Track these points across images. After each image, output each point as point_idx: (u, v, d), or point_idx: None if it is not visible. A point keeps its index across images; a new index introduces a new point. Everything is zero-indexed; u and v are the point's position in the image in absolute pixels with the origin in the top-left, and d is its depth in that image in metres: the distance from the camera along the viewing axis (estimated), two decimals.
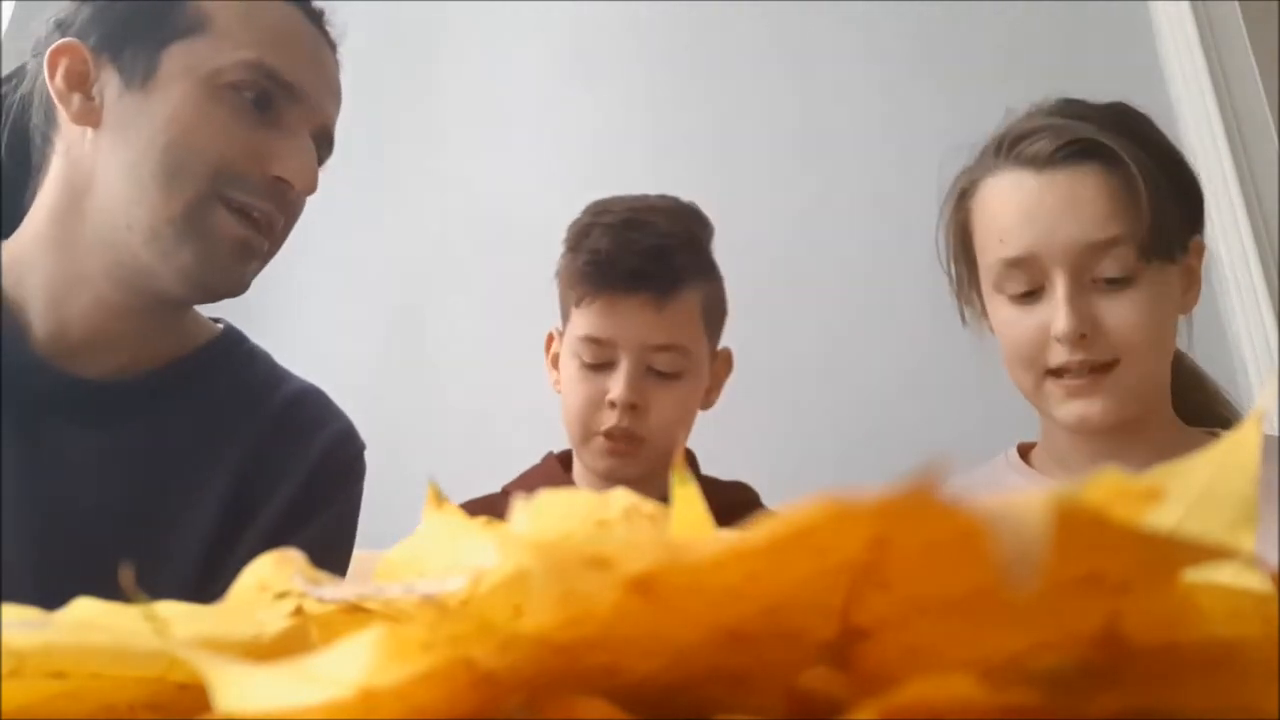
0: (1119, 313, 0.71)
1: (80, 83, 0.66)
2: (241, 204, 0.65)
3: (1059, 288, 0.72)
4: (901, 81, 1.51)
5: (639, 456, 0.84)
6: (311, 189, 0.69)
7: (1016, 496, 0.12)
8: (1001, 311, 0.77)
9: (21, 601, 0.19)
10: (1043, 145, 0.74)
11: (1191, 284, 0.77)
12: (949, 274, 0.85)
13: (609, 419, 0.84)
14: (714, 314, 0.92)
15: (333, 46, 0.75)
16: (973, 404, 1.26)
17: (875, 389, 1.35)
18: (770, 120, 1.54)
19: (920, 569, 0.13)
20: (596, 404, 0.85)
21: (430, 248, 1.60)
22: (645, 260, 0.85)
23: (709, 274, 0.92)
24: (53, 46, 0.66)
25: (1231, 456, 0.18)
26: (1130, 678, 0.15)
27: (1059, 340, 0.72)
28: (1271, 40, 1.40)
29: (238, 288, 0.69)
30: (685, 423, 0.90)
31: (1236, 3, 1.44)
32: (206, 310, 0.78)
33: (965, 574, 0.13)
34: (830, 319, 1.40)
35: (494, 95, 1.68)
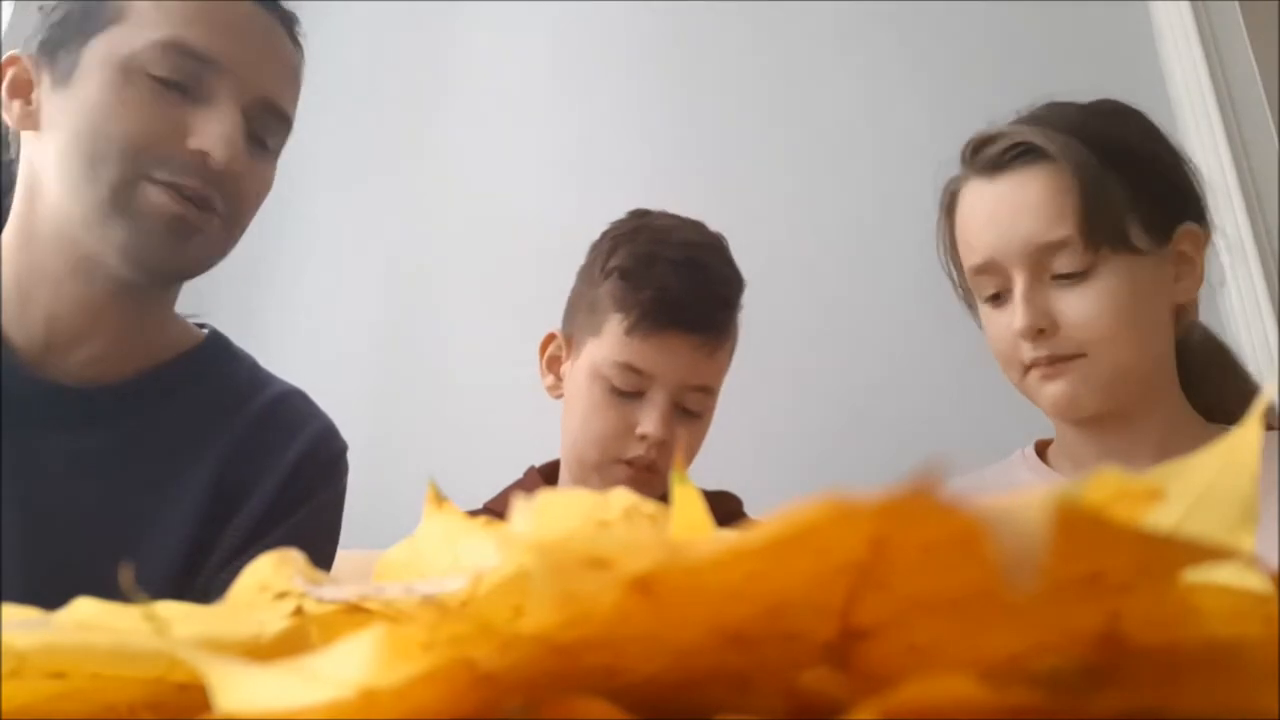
0: (1076, 307, 0.73)
1: (23, 90, 0.68)
2: (169, 183, 0.65)
3: (1017, 287, 0.75)
4: (899, 82, 1.51)
5: (653, 487, 0.84)
6: (231, 160, 0.66)
7: (1016, 496, 0.12)
8: (983, 313, 0.80)
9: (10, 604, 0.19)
10: (992, 151, 0.77)
11: (1186, 273, 0.76)
12: (952, 282, 0.88)
13: (634, 449, 0.84)
14: (734, 352, 0.94)
15: (284, 20, 0.73)
16: (974, 403, 1.26)
17: (874, 389, 1.35)
18: (770, 121, 1.54)
19: (920, 569, 0.13)
20: (623, 432, 0.85)
21: (430, 247, 1.60)
22: (711, 307, 0.86)
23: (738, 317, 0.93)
24: (4, 57, 0.68)
25: (1232, 456, 0.18)
26: (1130, 678, 0.15)
27: (1020, 337, 0.74)
28: (1271, 40, 1.40)
29: (184, 266, 0.68)
30: (693, 457, 0.91)
31: (1236, 3, 1.44)
32: (195, 313, 0.79)
33: (965, 574, 0.13)
34: (828, 320, 1.40)
35: (496, 94, 1.68)
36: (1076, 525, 0.12)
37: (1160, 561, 0.14)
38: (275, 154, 0.74)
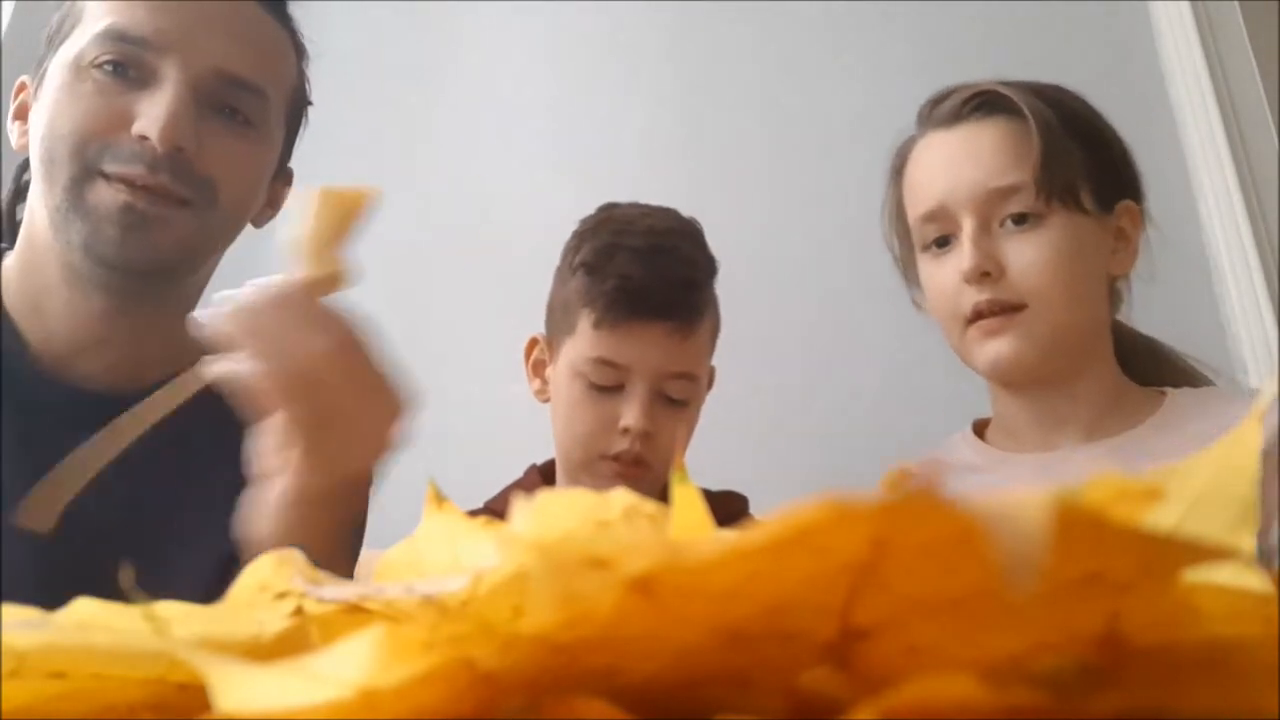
0: (1024, 253, 0.73)
1: (22, 113, 0.69)
2: (117, 174, 0.63)
3: (965, 232, 0.75)
4: (897, 81, 1.51)
5: (645, 481, 0.83)
6: (172, 139, 0.63)
7: (1017, 497, 0.12)
8: (926, 270, 0.80)
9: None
10: (951, 102, 0.80)
11: (1122, 247, 0.78)
12: (893, 254, 0.88)
13: (619, 444, 0.83)
14: (715, 334, 0.93)
15: None
16: (978, 401, 1.26)
17: (876, 388, 1.35)
18: (770, 120, 1.54)
19: (920, 569, 0.13)
20: (605, 428, 0.84)
21: (429, 248, 1.60)
22: (677, 291, 0.85)
23: (714, 297, 0.92)
24: (15, 84, 0.70)
25: (1231, 456, 0.18)
26: (1130, 678, 0.15)
27: (966, 281, 0.74)
28: (1271, 40, 1.40)
29: (151, 257, 0.65)
30: (685, 447, 0.90)
31: (1236, 3, 1.44)
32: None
33: (965, 574, 0.13)
34: (830, 318, 1.40)
35: (494, 96, 1.68)
36: (1076, 525, 0.12)
37: (1160, 561, 0.14)
38: (260, 124, 0.70)
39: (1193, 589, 0.15)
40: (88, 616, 0.19)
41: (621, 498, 0.21)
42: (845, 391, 1.36)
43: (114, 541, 0.64)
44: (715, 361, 0.94)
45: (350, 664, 0.15)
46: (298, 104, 0.77)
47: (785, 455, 1.30)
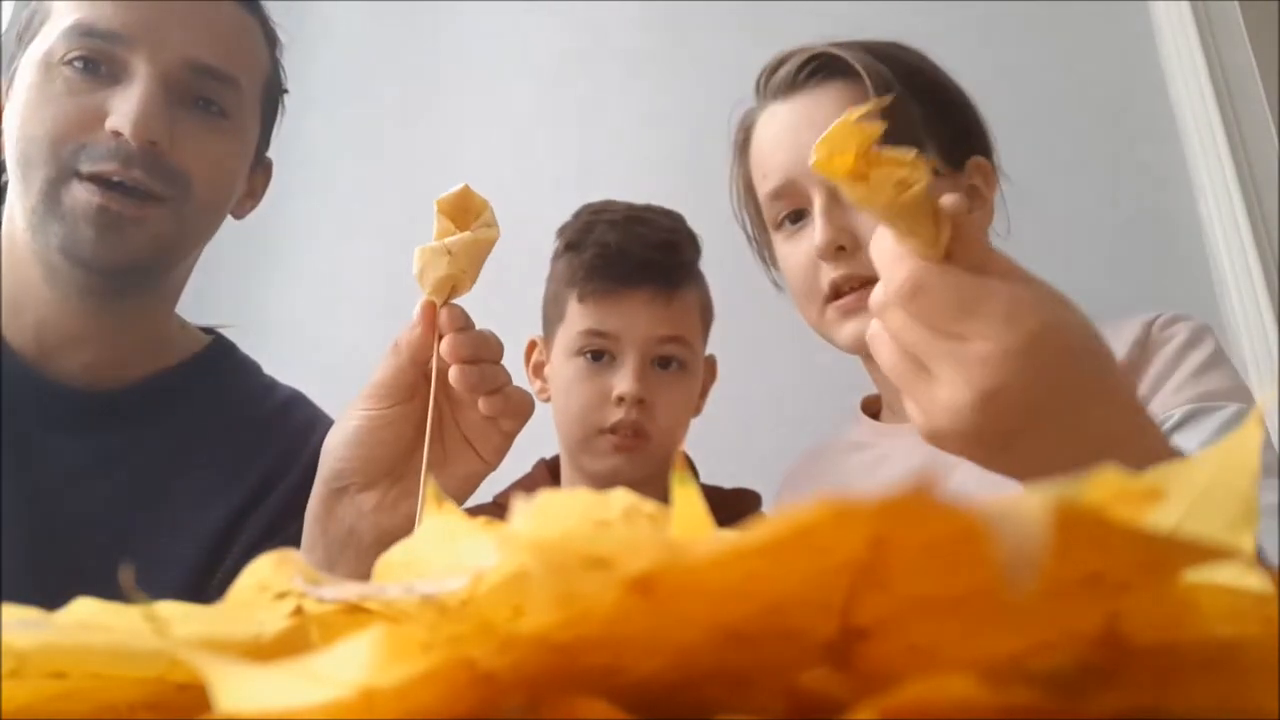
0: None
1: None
2: (93, 172, 0.63)
3: (816, 206, 0.71)
4: None
5: (645, 453, 0.84)
6: (144, 133, 0.63)
7: (1016, 497, 0.12)
8: (780, 250, 0.76)
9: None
10: (785, 70, 0.77)
11: (978, 205, 0.75)
12: (747, 235, 0.85)
13: (615, 415, 0.84)
14: (707, 315, 0.93)
15: None
16: None
17: (870, 387, 1.34)
18: None
19: (920, 569, 0.13)
20: (601, 401, 0.84)
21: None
22: (655, 253, 0.86)
23: (701, 276, 0.93)
24: None
25: (1231, 456, 0.18)
26: (1130, 678, 0.15)
27: (820, 257, 0.70)
28: (1271, 40, 1.40)
29: (129, 256, 0.65)
30: (686, 420, 0.90)
31: (1236, 3, 1.43)
32: (200, 320, 0.79)
33: (965, 574, 0.13)
34: None
35: (490, 100, 1.68)
36: (1076, 525, 0.12)
37: (1160, 561, 0.14)
38: (234, 114, 0.70)
39: (1193, 589, 0.15)
40: (88, 616, 0.19)
41: (621, 498, 0.21)
42: (846, 390, 1.35)
43: (97, 536, 0.64)
44: (728, 367, 0.95)
45: (350, 664, 0.15)
46: (273, 92, 0.76)
47: (785, 454, 1.30)
